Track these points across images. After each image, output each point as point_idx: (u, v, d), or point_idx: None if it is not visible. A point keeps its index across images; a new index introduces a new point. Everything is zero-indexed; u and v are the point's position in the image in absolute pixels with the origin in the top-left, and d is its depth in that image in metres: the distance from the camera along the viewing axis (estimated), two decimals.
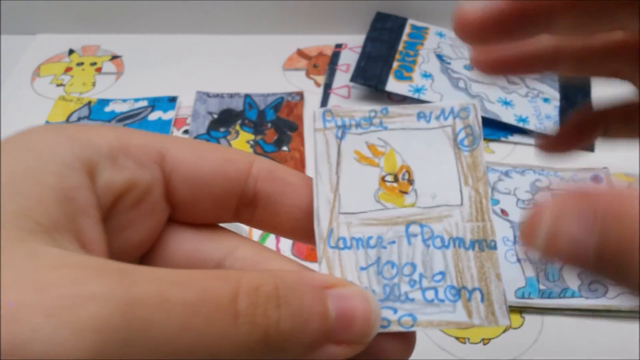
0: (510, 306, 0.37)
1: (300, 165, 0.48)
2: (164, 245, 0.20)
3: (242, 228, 0.38)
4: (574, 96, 0.53)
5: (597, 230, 0.15)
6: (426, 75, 0.54)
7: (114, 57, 0.61)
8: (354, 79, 0.54)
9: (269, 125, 0.52)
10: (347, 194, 0.20)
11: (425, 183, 0.20)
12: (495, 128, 0.51)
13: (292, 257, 0.41)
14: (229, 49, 0.61)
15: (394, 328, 0.19)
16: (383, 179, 0.21)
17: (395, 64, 0.54)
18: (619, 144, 0.27)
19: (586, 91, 0.53)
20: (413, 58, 0.55)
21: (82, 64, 0.60)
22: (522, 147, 0.50)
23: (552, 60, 0.22)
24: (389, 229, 0.20)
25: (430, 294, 0.19)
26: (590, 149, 0.49)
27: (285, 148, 0.50)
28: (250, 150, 0.50)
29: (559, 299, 0.38)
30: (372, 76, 0.53)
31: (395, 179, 0.21)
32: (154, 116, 0.53)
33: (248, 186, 0.20)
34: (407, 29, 0.58)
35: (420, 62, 0.55)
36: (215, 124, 0.52)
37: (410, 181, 0.21)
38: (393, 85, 0.52)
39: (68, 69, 0.59)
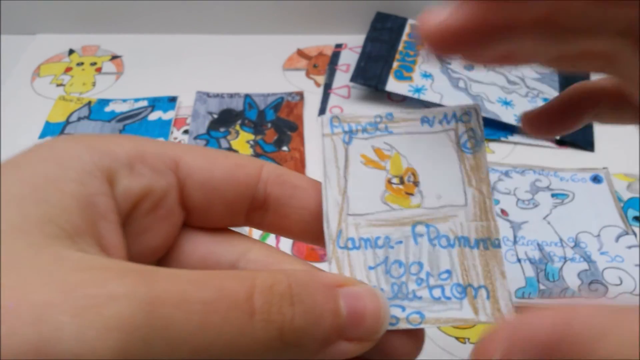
0: None
1: (300, 165, 0.48)
2: (180, 249, 0.21)
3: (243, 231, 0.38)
4: None
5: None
6: (426, 75, 0.54)
7: (114, 57, 0.61)
8: (354, 79, 0.54)
9: (269, 125, 0.52)
10: (355, 196, 0.21)
11: (430, 185, 0.21)
12: (495, 128, 0.51)
13: None
14: (229, 49, 0.61)
15: (403, 325, 0.20)
16: (389, 182, 0.21)
17: (395, 64, 0.54)
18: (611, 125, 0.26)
19: None
20: (413, 58, 0.55)
21: (82, 64, 0.60)
22: (522, 147, 0.50)
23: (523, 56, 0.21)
24: (396, 229, 0.21)
25: (437, 292, 0.20)
26: (590, 149, 0.49)
27: (285, 148, 0.50)
28: (250, 150, 0.50)
29: (559, 299, 0.38)
30: (372, 76, 0.53)
31: (401, 181, 0.21)
32: (154, 116, 0.53)
33: (258, 190, 0.21)
34: (407, 29, 0.58)
35: (420, 62, 0.55)
36: (215, 124, 0.52)
37: (416, 183, 0.21)
38: (393, 85, 0.53)
39: (68, 69, 0.59)
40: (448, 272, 0.20)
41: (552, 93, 0.53)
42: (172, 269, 0.16)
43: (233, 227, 0.23)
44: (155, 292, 0.14)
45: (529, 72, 0.55)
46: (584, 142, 0.50)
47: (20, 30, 0.63)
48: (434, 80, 0.53)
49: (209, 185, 0.21)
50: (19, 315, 0.13)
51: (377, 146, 0.22)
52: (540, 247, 0.41)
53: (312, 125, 0.53)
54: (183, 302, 0.15)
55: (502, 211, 0.43)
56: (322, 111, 0.54)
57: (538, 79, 0.54)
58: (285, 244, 0.42)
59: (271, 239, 0.41)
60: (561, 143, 0.50)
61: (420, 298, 0.20)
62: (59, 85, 0.58)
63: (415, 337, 0.20)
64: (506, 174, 0.46)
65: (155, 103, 0.54)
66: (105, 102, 0.55)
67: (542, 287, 0.38)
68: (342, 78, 0.57)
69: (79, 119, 0.53)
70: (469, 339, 0.37)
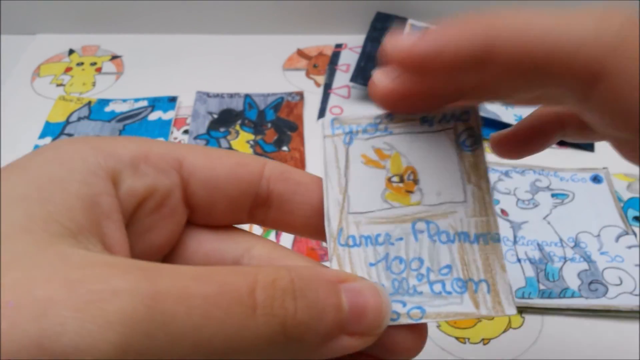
0: None
1: (300, 165, 0.48)
2: (184, 247, 0.22)
3: None
4: None
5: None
6: None
7: (114, 57, 0.61)
8: (354, 79, 0.54)
9: (269, 125, 0.52)
10: (355, 195, 0.21)
11: (430, 182, 0.21)
12: (495, 128, 0.51)
13: None
14: (229, 49, 0.61)
15: (404, 320, 0.20)
16: (389, 180, 0.22)
17: None
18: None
19: None
20: None
21: (82, 64, 0.60)
22: None
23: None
24: (396, 226, 0.21)
25: (437, 287, 0.20)
26: (590, 149, 0.49)
27: (285, 148, 0.50)
28: (250, 150, 0.50)
29: (559, 299, 0.38)
30: (371, 76, 0.53)
31: (401, 180, 0.21)
32: (154, 116, 0.53)
33: (261, 187, 0.21)
34: (407, 29, 0.58)
35: None
36: (215, 124, 0.52)
37: (416, 181, 0.21)
38: None
39: (68, 69, 0.59)
40: (448, 267, 0.20)
41: None
42: (174, 265, 0.16)
43: (237, 225, 0.23)
44: (157, 288, 0.15)
45: None
46: (577, 142, 0.50)
47: (20, 30, 0.63)
48: None
49: (212, 183, 0.21)
50: (21, 310, 0.13)
51: (377, 146, 0.22)
52: (540, 247, 0.41)
53: (312, 125, 0.53)
54: (185, 297, 0.15)
55: (502, 211, 0.43)
56: (322, 111, 0.54)
57: None
58: (286, 242, 0.42)
59: (272, 237, 0.41)
60: (561, 143, 0.50)
61: (421, 293, 0.20)
62: (59, 85, 0.58)
63: (418, 332, 0.20)
64: (506, 174, 0.46)
65: (155, 103, 0.54)
66: (105, 102, 0.55)
67: (542, 287, 0.38)
68: (342, 78, 0.57)
69: (79, 119, 0.53)
70: (468, 339, 0.37)
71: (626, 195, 0.45)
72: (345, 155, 0.22)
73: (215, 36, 0.63)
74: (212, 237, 0.22)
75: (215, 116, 0.53)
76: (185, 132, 0.52)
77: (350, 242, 0.21)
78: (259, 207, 0.22)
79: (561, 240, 0.41)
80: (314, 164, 0.49)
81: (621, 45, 0.17)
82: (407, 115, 0.22)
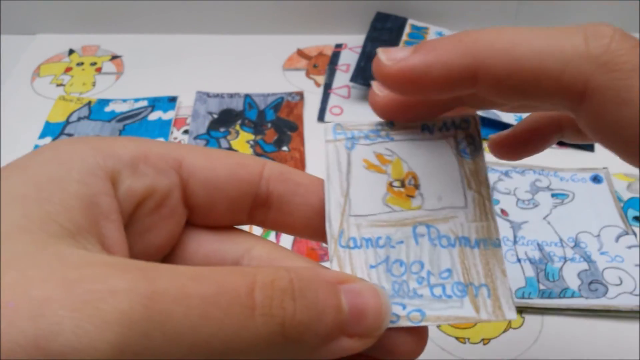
0: None
1: (300, 165, 0.48)
2: (184, 248, 0.22)
3: None
4: None
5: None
6: None
7: (114, 57, 0.61)
8: (354, 79, 0.54)
9: (269, 125, 0.52)
10: (356, 198, 0.22)
11: (430, 187, 0.22)
12: (495, 128, 0.51)
13: None
14: (229, 49, 0.61)
15: (403, 323, 0.20)
16: (390, 185, 0.22)
17: None
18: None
19: None
20: None
21: (82, 64, 0.60)
22: None
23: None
24: (397, 229, 0.21)
25: (438, 290, 0.20)
26: (590, 149, 0.49)
27: (285, 148, 0.50)
28: (250, 150, 0.50)
29: (559, 299, 0.38)
30: (372, 76, 0.53)
31: (402, 184, 0.22)
32: (154, 116, 0.53)
33: (261, 188, 0.21)
34: (407, 29, 0.58)
35: None
36: (215, 124, 0.52)
37: (417, 186, 0.22)
38: None
39: (68, 69, 0.59)
40: (449, 271, 0.20)
41: None
42: (172, 265, 0.16)
43: (236, 225, 0.23)
44: (155, 287, 0.14)
45: None
46: (576, 142, 0.50)
47: (20, 30, 0.63)
48: None
49: (212, 184, 0.21)
50: (18, 310, 0.13)
51: (379, 152, 0.22)
52: (540, 247, 0.41)
53: (312, 125, 0.53)
54: (183, 297, 0.15)
55: (502, 211, 0.43)
56: (322, 111, 0.54)
57: None
58: (286, 243, 0.42)
59: (272, 237, 0.41)
60: (561, 143, 0.50)
61: (421, 296, 0.20)
62: (59, 85, 0.58)
63: (418, 335, 0.20)
64: (506, 174, 0.46)
65: (155, 103, 0.54)
66: (105, 102, 0.55)
67: (542, 287, 0.38)
68: (342, 78, 0.57)
69: (79, 119, 0.53)
70: (468, 339, 0.37)
71: (626, 195, 0.45)
72: (347, 160, 0.22)
73: (215, 36, 0.63)
74: (212, 238, 0.22)
75: (215, 116, 0.53)
76: (185, 132, 0.52)
77: (351, 244, 0.21)
78: (258, 208, 0.22)
79: (561, 240, 0.41)
80: (314, 164, 0.49)
81: (611, 60, 0.17)
82: (407, 123, 0.22)
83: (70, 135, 0.51)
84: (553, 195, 0.44)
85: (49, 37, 0.63)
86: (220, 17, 0.62)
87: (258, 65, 0.59)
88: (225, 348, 0.15)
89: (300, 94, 0.55)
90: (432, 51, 0.19)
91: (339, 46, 0.61)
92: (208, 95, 0.55)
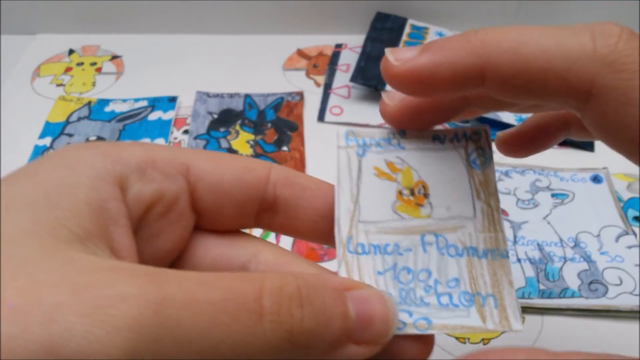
0: None
1: (300, 165, 0.48)
2: (192, 252, 0.22)
3: None
4: None
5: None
6: None
7: (114, 57, 0.61)
8: (354, 79, 0.54)
9: (269, 125, 0.52)
10: (366, 205, 0.22)
11: (440, 197, 0.22)
12: (495, 128, 0.51)
13: None
14: (229, 49, 0.61)
15: (410, 330, 0.20)
16: (400, 193, 0.22)
17: None
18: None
19: None
20: None
21: (82, 64, 0.60)
22: None
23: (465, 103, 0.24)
24: (406, 237, 0.21)
25: (445, 299, 0.20)
26: (590, 149, 0.49)
27: (285, 148, 0.50)
28: (250, 150, 0.50)
29: (558, 299, 0.38)
30: (372, 76, 0.53)
31: (412, 193, 0.22)
32: (154, 116, 0.53)
33: (268, 192, 0.22)
34: (407, 29, 0.58)
35: None
36: (215, 124, 0.52)
37: (426, 195, 0.22)
38: None
39: (68, 69, 0.59)
40: (456, 280, 0.21)
41: None
42: (181, 271, 0.16)
43: (243, 229, 0.23)
44: (164, 293, 0.15)
45: None
46: (584, 142, 0.50)
47: (20, 30, 0.63)
48: None
49: (219, 188, 0.21)
50: (29, 315, 0.13)
51: (390, 160, 0.22)
52: (540, 247, 0.41)
53: (312, 125, 0.53)
54: (191, 303, 0.15)
55: (502, 211, 0.43)
56: (322, 111, 0.54)
57: None
58: (286, 243, 0.42)
59: (271, 238, 0.41)
60: (561, 143, 0.50)
61: (428, 304, 0.20)
62: (59, 85, 0.58)
63: (424, 342, 0.20)
64: (506, 174, 0.46)
65: (155, 103, 0.54)
66: (105, 102, 0.55)
67: (542, 287, 0.38)
68: (342, 78, 0.57)
69: (79, 119, 0.53)
70: (468, 339, 0.37)
71: (626, 195, 0.45)
72: (358, 166, 0.22)
73: (215, 36, 0.63)
74: (219, 242, 0.22)
75: (215, 116, 0.53)
76: (185, 132, 0.52)
77: (360, 250, 0.21)
78: (265, 211, 0.22)
79: (561, 240, 0.41)
80: (313, 164, 0.49)
81: (617, 60, 0.17)
82: (419, 132, 0.23)
83: (70, 135, 0.51)
84: (553, 195, 0.44)
85: (49, 37, 0.63)
86: (220, 17, 0.62)
87: (258, 65, 0.59)
88: (233, 354, 0.15)
89: (300, 94, 0.55)
90: (439, 51, 0.19)
91: (339, 46, 0.61)
92: (208, 95, 0.55)
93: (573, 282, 0.38)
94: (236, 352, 0.15)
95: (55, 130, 0.52)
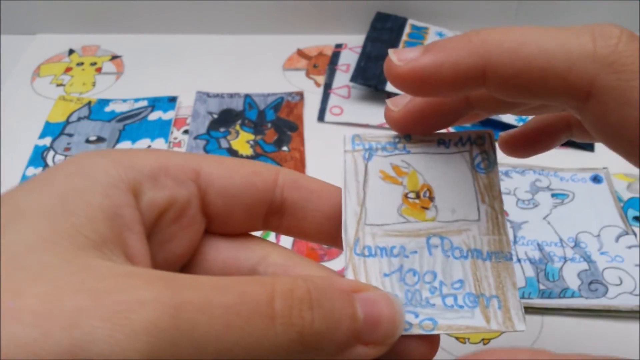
0: None
1: (300, 165, 0.48)
2: (203, 256, 0.22)
3: None
4: None
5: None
6: None
7: (114, 57, 0.61)
8: (354, 79, 0.54)
9: (269, 125, 0.52)
10: (372, 208, 0.22)
11: (445, 200, 0.22)
12: (495, 128, 0.51)
13: None
14: (229, 49, 0.61)
15: (416, 331, 0.20)
16: (406, 196, 0.22)
17: None
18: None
19: None
20: None
21: (82, 64, 0.60)
22: None
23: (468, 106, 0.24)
24: (411, 240, 0.22)
25: (450, 300, 0.21)
26: (590, 149, 0.49)
27: (285, 148, 0.50)
28: (250, 150, 0.50)
29: (558, 299, 0.38)
30: (372, 76, 0.53)
31: (417, 196, 0.22)
32: (154, 116, 0.53)
33: (275, 195, 0.22)
34: (407, 29, 0.58)
35: None
36: (215, 124, 0.52)
37: (431, 198, 0.22)
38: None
39: (68, 69, 0.59)
40: (461, 281, 0.21)
41: None
42: (195, 276, 0.17)
43: (252, 232, 0.23)
44: (181, 297, 0.15)
45: None
46: (584, 142, 0.50)
47: (20, 30, 0.63)
48: None
49: (229, 193, 0.21)
50: (52, 320, 0.14)
51: (395, 163, 0.23)
52: (540, 247, 0.41)
53: (312, 125, 0.53)
54: (206, 307, 0.15)
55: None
56: (322, 111, 0.54)
57: None
58: (286, 244, 0.42)
59: (271, 238, 0.41)
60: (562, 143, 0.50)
61: (433, 305, 0.21)
62: (59, 85, 0.58)
63: (430, 342, 0.21)
64: (506, 174, 0.46)
65: (155, 103, 0.54)
66: (105, 102, 0.55)
67: (542, 287, 0.38)
68: (342, 78, 0.57)
69: (79, 119, 0.53)
70: (468, 339, 0.37)
71: (626, 195, 0.45)
72: (364, 170, 0.23)
73: (215, 36, 0.63)
74: (229, 246, 0.22)
75: (215, 116, 0.53)
76: (185, 132, 0.52)
77: (366, 252, 0.22)
78: (273, 214, 0.23)
79: (561, 240, 0.41)
80: (313, 164, 0.49)
81: (617, 61, 0.17)
82: (423, 136, 0.23)
83: (70, 135, 0.51)
84: (553, 195, 0.44)
85: (49, 37, 0.63)
86: (220, 17, 0.62)
87: (258, 65, 0.59)
88: (247, 355, 0.16)
89: (300, 94, 0.55)
90: (442, 51, 0.20)
91: (339, 46, 0.61)
92: (208, 95, 0.55)
93: (573, 282, 0.38)
94: (249, 354, 0.16)
95: (55, 130, 0.52)
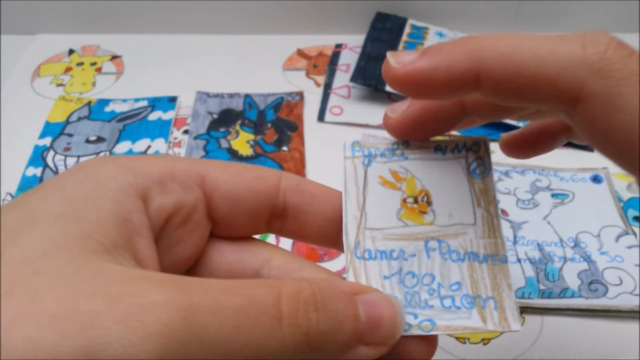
0: None
1: (300, 165, 0.48)
2: (208, 259, 0.23)
3: None
4: None
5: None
6: None
7: (114, 57, 0.61)
8: (354, 79, 0.54)
9: (269, 125, 0.52)
10: (372, 212, 0.23)
11: (442, 204, 0.23)
12: (495, 128, 0.51)
13: None
14: (229, 49, 0.61)
15: (415, 331, 0.21)
16: (404, 201, 0.23)
17: None
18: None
19: None
20: None
21: (82, 64, 0.60)
22: None
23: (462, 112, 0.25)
24: (410, 243, 0.22)
25: (447, 302, 0.21)
26: (590, 149, 0.49)
27: (285, 148, 0.50)
28: (250, 150, 0.50)
29: (558, 299, 0.38)
30: (372, 76, 0.53)
31: (415, 201, 0.23)
32: (154, 116, 0.53)
33: (278, 199, 0.23)
34: (407, 29, 0.58)
35: None
36: (215, 124, 0.52)
37: (429, 203, 0.23)
38: None
39: (68, 69, 0.59)
40: (458, 283, 0.22)
41: None
42: (204, 279, 0.17)
43: (255, 235, 0.24)
44: (192, 300, 0.15)
45: None
46: (584, 144, 0.50)
47: (20, 30, 0.63)
48: None
49: (234, 197, 0.22)
50: (68, 323, 0.14)
51: (394, 169, 0.24)
52: (540, 247, 0.41)
53: (312, 125, 0.53)
54: (216, 309, 0.16)
55: (502, 211, 0.43)
56: (322, 111, 0.54)
57: None
58: (286, 244, 0.42)
59: (270, 239, 0.41)
60: None
61: (432, 307, 0.21)
62: (59, 85, 0.58)
63: (428, 342, 0.21)
64: (506, 174, 0.46)
65: (155, 103, 0.54)
66: (105, 102, 0.55)
67: (542, 287, 0.38)
68: (342, 78, 0.57)
69: (79, 119, 0.53)
70: (468, 339, 0.37)
71: (626, 195, 0.45)
72: (363, 176, 0.24)
73: (215, 36, 0.63)
74: (233, 249, 0.23)
75: (215, 116, 0.53)
76: (185, 132, 0.52)
77: (367, 256, 0.22)
78: (276, 217, 0.23)
79: (561, 240, 0.41)
80: (314, 164, 0.49)
81: (605, 67, 0.18)
82: (421, 143, 0.24)
83: (70, 135, 0.51)
84: (553, 195, 0.44)
85: (49, 37, 0.63)
86: (220, 17, 0.62)
87: (258, 65, 0.59)
88: (255, 356, 0.16)
89: (300, 94, 0.55)
90: (438, 55, 0.20)
91: (339, 46, 0.61)
92: (208, 95, 0.55)
93: (573, 282, 0.38)
94: (258, 354, 0.16)
95: (55, 130, 0.52)
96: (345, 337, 0.18)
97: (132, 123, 0.53)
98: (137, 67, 0.60)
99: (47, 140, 0.51)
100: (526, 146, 0.28)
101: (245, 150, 0.50)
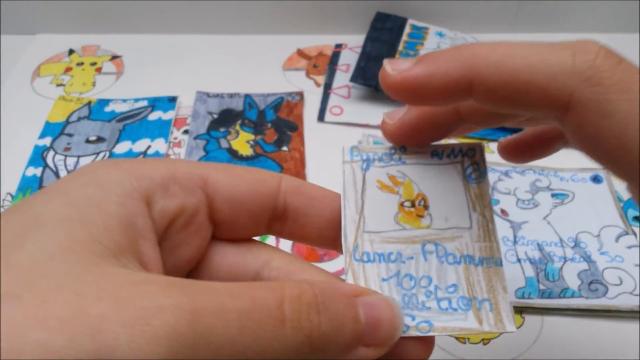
0: None
1: (300, 165, 0.48)
2: (209, 261, 0.23)
3: None
4: None
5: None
6: None
7: (114, 57, 0.61)
8: (354, 79, 0.54)
9: (269, 125, 0.52)
10: (370, 216, 0.23)
11: (438, 208, 0.24)
12: (495, 128, 0.51)
13: None
14: (229, 49, 0.61)
15: (413, 333, 0.21)
16: (402, 205, 0.24)
17: None
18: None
19: None
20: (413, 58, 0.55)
21: (82, 64, 0.60)
22: None
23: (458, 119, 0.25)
24: (407, 246, 0.23)
25: (444, 304, 0.22)
26: None
27: (285, 148, 0.50)
28: (250, 150, 0.50)
29: (558, 299, 0.38)
30: (372, 76, 0.53)
31: (413, 205, 0.24)
32: (154, 116, 0.53)
33: (279, 202, 0.23)
34: (407, 29, 0.58)
35: None
36: (215, 124, 0.52)
37: (426, 207, 0.24)
38: None
39: (68, 69, 0.59)
40: (454, 286, 0.22)
41: None
42: (208, 282, 0.17)
43: (255, 237, 0.24)
44: (197, 303, 0.16)
45: None
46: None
47: (20, 30, 0.63)
48: None
49: (235, 199, 0.22)
50: (77, 326, 0.14)
51: (392, 174, 0.24)
52: (540, 247, 0.41)
53: (312, 125, 0.53)
54: (221, 312, 0.16)
55: (502, 211, 0.43)
56: (322, 111, 0.54)
57: None
58: (286, 245, 0.42)
59: (270, 240, 0.41)
60: None
61: (429, 308, 0.22)
62: (59, 85, 0.58)
63: (426, 343, 0.22)
64: (506, 174, 0.46)
65: (155, 103, 0.54)
66: (105, 102, 0.55)
67: (542, 287, 0.38)
68: (342, 78, 0.57)
69: (79, 119, 0.53)
70: (468, 339, 0.37)
71: (626, 195, 0.45)
72: (362, 180, 0.24)
73: (215, 36, 0.63)
74: (234, 251, 0.23)
75: (215, 116, 0.53)
76: (185, 132, 0.52)
77: (365, 258, 0.23)
78: (276, 220, 0.23)
79: (561, 240, 0.41)
80: (313, 164, 0.49)
81: (594, 75, 0.18)
82: (418, 148, 0.24)
83: (70, 135, 0.51)
84: (553, 195, 0.44)
85: (49, 37, 0.63)
86: (220, 17, 0.62)
87: (258, 65, 0.59)
88: (259, 357, 0.16)
89: (300, 94, 0.55)
90: (433, 62, 0.21)
91: (339, 46, 0.61)
92: (208, 95, 0.55)
93: (573, 282, 0.38)
94: (261, 356, 0.16)
95: (55, 130, 0.52)
96: (346, 338, 0.18)
97: (132, 123, 0.53)
98: (137, 67, 0.60)
99: (47, 140, 0.51)
100: (523, 151, 0.29)
101: (245, 150, 0.50)
